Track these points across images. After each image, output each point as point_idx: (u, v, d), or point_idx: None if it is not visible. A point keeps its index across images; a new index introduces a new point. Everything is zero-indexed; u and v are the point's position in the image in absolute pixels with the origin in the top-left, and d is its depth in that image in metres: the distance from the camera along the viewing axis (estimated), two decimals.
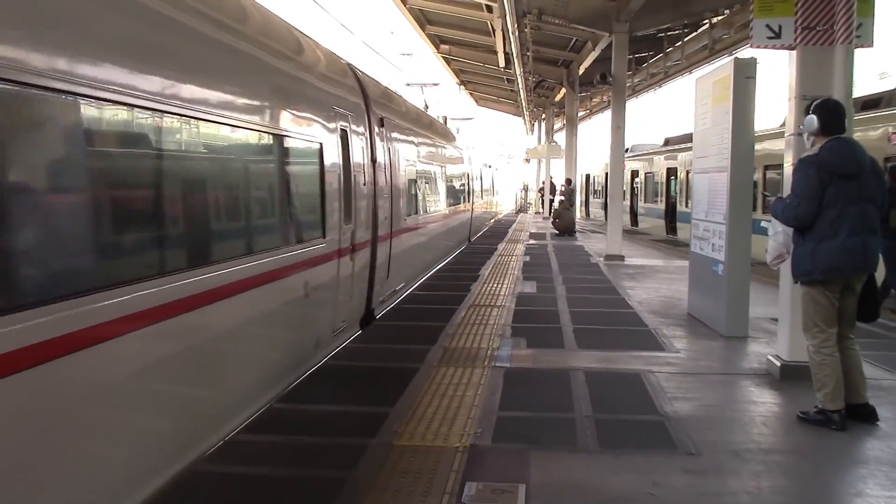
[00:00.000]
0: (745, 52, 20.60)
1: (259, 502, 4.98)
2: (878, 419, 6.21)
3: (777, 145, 14.07)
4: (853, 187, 6.09)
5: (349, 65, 9.97)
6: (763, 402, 6.93)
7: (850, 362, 6.27)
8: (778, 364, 7.60)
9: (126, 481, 4.01)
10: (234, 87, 5.50)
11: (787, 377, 7.42)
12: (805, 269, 6.26)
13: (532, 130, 53.67)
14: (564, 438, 5.83)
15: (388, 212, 10.78)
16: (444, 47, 33.03)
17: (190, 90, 4.75)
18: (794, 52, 7.52)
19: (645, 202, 33.20)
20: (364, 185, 9.24)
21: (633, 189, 34.72)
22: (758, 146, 10.53)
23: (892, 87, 16.02)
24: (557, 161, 40.35)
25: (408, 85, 31.71)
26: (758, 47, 7.67)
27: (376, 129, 10.23)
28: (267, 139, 6.15)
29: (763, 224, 7.15)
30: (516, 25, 18.07)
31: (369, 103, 10.09)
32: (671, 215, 28.51)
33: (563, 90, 33.84)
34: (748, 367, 8.13)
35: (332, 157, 7.90)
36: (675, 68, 28.03)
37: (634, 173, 34.30)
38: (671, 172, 28.88)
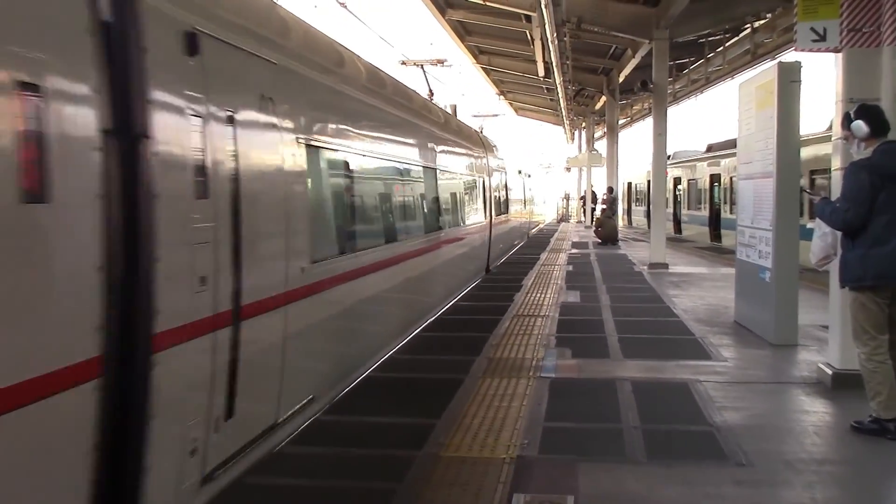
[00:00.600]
0: (789, 56, 20.41)
1: None
2: None
3: (824, 150, 13.84)
4: None
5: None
6: (815, 411, 6.80)
7: None
8: (829, 372, 7.46)
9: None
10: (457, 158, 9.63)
11: (840, 386, 7.27)
12: (855, 275, 6.14)
13: (572, 139, 53.50)
14: (612, 449, 5.78)
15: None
16: (484, 58, 33.11)
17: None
18: (839, 55, 7.41)
19: (688, 209, 32.89)
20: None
21: (675, 196, 34.42)
22: (803, 151, 10.38)
23: None
24: (598, 169, 40.17)
25: (403, 63, 24.80)
26: (802, 51, 7.58)
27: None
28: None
29: (809, 226, 7.04)
30: (555, 34, 18.02)
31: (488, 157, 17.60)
32: (715, 222, 28.21)
33: (604, 98, 33.72)
34: (798, 376, 8.00)
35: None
36: (716, 74, 27.74)
37: (677, 180, 34.01)
38: (714, 179, 28.59)
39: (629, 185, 46.61)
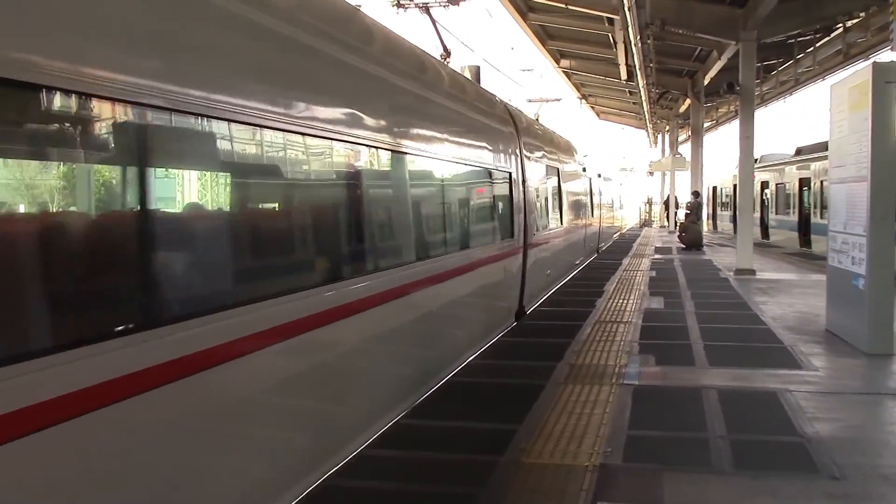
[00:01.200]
0: (884, 56, 19.73)
1: None
2: None
3: None
4: None
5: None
6: None
7: None
8: None
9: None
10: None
11: None
12: None
13: (655, 142, 52.73)
14: (698, 459, 5.67)
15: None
16: (565, 62, 32.93)
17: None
18: None
19: (776, 214, 32.08)
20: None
21: (763, 201, 33.62)
22: None
23: None
24: (682, 173, 39.48)
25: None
26: None
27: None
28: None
29: None
30: (639, 37, 17.81)
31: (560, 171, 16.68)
32: (805, 227, 27.45)
33: (688, 101, 33.13)
34: (894, 387, 7.71)
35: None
36: (806, 75, 26.98)
37: (764, 184, 33.22)
38: (804, 183, 27.83)
39: (714, 189, 45.72)
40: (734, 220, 30.24)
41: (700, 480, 5.26)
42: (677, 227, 32.85)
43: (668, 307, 13.06)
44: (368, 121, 6.17)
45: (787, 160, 31.07)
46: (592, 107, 47.71)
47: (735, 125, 21.67)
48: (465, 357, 9.00)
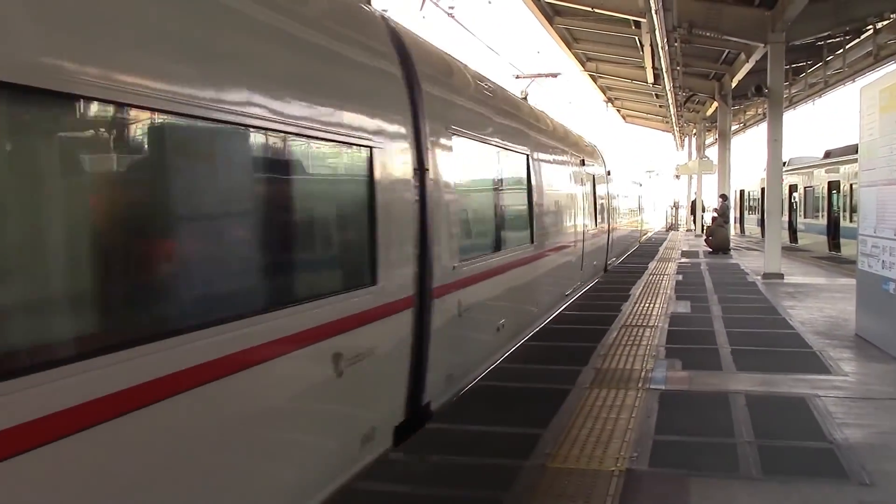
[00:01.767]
0: None
1: None
2: None
3: None
4: None
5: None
6: None
7: None
8: None
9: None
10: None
11: None
12: None
13: (682, 146, 52.41)
14: (725, 465, 5.62)
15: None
16: (591, 65, 32.81)
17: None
18: None
19: (804, 217, 31.79)
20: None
21: (791, 204, 33.31)
22: None
23: None
24: (709, 176, 39.20)
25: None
26: None
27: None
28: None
29: None
30: (666, 40, 17.70)
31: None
32: (834, 231, 27.17)
33: (715, 104, 32.89)
34: None
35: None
36: (835, 77, 26.70)
37: (793, 188, 32.92)
38: (833, 186, 27.56)
39: (741, 192, 45.36)
40: (762, 223, 30.00)
41: (727, 486, 5.21)
42: (704, 231, 32.61)
43: (695, 311, 12.96)
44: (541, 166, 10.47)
45: (815, 163, 30.78)
46: (619, 110, 47.52)
47: (763, 128, 21.52)
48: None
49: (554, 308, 12.30)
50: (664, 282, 17.66)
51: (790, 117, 38.66)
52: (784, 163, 22.71)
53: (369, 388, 4.98)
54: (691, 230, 44.20)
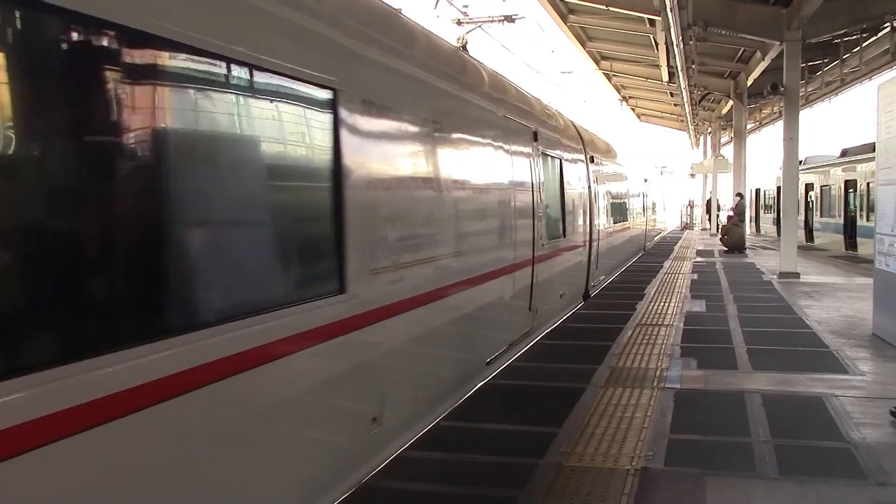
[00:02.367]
0: None
1: None
2: None
3: None
4: None
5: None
6: None
7: None
8: None
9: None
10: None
11: None
12: None
13: (697, 144, 52.21)
14: (742, 464, 5.59)
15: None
16: (605, 63, 32.73)
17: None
18: None
19: (821, 216, 31.62)
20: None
21: (807, 203, 33.14)
22: None
23: None
24: (724, 175, 39.05)
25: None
26: None
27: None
28: None
29: None
30: (681, 38, 17.63)
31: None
32: (851, 230, 27.01)
33: (730, 102, 32.77)
34: None
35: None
36: (852, 75, 26.51)
37: (809, 186, 32.74)
38: (850, 185, 27.39)
39: (757, 191, 45.14)
40: (777, 222, 29.82)
41: (744, 485, 5.19)
42: (719, 230, 32.48)
43: (711, 310, 12.91)
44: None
45: (832, 162, 30.60)
46: (633, 109, 47.38)
47: (778, 126, 21.42)
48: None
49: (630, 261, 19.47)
50: (679, 281, 17.60)
51: (806, 116, 38.42)
52: (800, 161, 22.62)
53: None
54: (706, 229, 44.00)
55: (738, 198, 29.35)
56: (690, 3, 15.46)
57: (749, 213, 40.30)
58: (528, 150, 9.84)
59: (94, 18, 2.99)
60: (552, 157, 11.51)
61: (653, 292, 15.47)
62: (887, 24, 20.73)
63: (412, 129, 6.19)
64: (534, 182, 9.93)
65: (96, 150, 3.15)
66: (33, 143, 2.89)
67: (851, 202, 27.35)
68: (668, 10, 14.78)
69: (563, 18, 24.35)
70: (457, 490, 5.23)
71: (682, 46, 18.53)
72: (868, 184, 23.86)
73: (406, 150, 6.09)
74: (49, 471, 2.73)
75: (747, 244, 28.09)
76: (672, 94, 34.85)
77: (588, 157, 15.03)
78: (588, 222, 14.58)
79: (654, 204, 34.50)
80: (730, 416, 6.76)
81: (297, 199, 4.74)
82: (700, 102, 33.91)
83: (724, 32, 20.07)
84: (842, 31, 21.41)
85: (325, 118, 4.73)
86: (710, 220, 42.86)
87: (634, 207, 25.44)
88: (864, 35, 22.79)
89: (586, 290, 14.68)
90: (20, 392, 2.63)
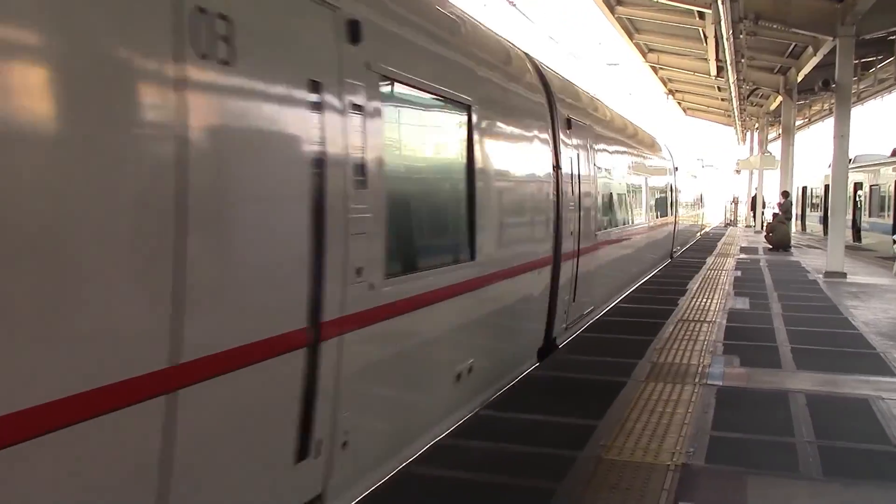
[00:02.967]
0: None
1: None
2: None
3: None
4: None
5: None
6: None
7: None
8: None
9: None
10: None
11: None
12: None
13: (744, 140, 51.52)
14: (784, 464, 5.51)
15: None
16: (652, 56, 32.40)
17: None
18: None
19: (869, 216, 31.05)
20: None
21: (855, 202, 32.56)
22: None
23: None
24: (770, 172, 38.49)
25: None
26: None
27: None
28: None
29: None
30: (731, 31, 17.39)
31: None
32: None
33: (779, 98, 32.26)
34: None
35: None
36: None
37: (857, 185, 32.15)
38: None
39: (803, 189, 44.46)
40: (824, 221, 29.36)
41: (786, 485, 5.12)
42: (764, 228, 32.04)
43: (754, 308, 12.74)
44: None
45: (883, 161, 30.04)
46: (679, 102, 46.87)
47: (828, 124, 21.05)
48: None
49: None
50: (722, 277, 17.39)
51: (857, 113, 37.72)
52: (850, 160, 22.20)
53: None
54: (751, 226, 43.42)
55: (783, 196, 28.94)
56: None
57: (795, 210, 39.67)
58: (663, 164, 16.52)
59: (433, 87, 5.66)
60: (657, 163, 18.32)
61: (695, 288, 15.30)
62: None
63: (517, 133, 8.00)
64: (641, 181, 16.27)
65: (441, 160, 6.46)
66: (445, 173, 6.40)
67: None
68: (719, 2, 14.62)
69: (611, 9, 24.15)
70: (495, 479, 5.22)
71: (732, 40, 18.30)
72: None
73: (513, 151, 7.80)
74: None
75: (792, 242, 27.68)
76: (720, 89, 34.40)
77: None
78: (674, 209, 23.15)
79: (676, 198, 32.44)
80: (773, 415, 6.67)
81: (452, 190, 6.45)
82: (748, 97, 33.49)
83: (775, 27, 19.74)
84: None
85: (464, 127, 6.36)
86: (754, 217, 42.29)
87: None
88: None
89: (671, 255, 23.10)
90: (411, 282, 5.17)
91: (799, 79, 27.92)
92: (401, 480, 5.00)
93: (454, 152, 6.44)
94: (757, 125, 44.47)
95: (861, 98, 31.56)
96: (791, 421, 6.52)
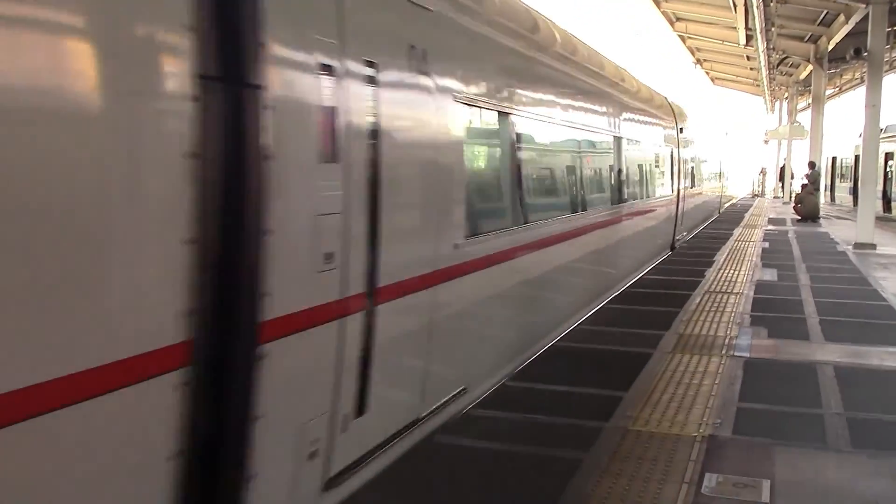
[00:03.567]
0: None
1: (497, 476, 5.07)
2: None
3: None
4: None
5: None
6: None
7: None
8: None
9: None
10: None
11: None
12: None
13: (772, 110, 50.85)
14: (812, 435, 5.51)
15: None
16: (680, 24, 31.99)
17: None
18: None
19: None
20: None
21: (886, 173, 32.09)
22: None
23: None
24: (799, 142, 38.00)
25: None
26: None
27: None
28: None
29: None
30: None
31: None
32: None
33: (809, 67, 31.77)
34: None
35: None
36: None
37: (889, 156, 31.67)
38: None
39: (833, 159, 43.86)
40: (853, 191, 29.02)
41: (814, 457, 5.12)
42: (792, 199, 31.69)
43: (782, 279, 12.66)
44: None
45: None
46: (707, 72, 46.30)
47: (859, 93, 20.74)
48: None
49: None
50: (750, 248, 17.27)
51: (889, 82, 37.05)
52: (881, 129, 21.89)
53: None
54: (779, 197, 42.97)
55: (810, 167, 28.60)
56: None
57: (824, 181, 39.19)
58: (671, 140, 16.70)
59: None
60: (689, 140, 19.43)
61: (722, 259, 15.22)
62: None
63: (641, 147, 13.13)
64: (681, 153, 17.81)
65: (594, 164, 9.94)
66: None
67: None
68: None
69: None
70: (523, 449, 5.27)
71: (762, 7, 18.03)
72: None
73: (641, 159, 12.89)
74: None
75: (821, 213, 27.38)
76: (748, 58, 33.92)
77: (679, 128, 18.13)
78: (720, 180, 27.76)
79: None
80: (801, 387, 6.66)
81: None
82: (777, 66, 32.97)
83: None
84: None
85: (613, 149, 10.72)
86: (782, 188, 41.82)
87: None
88: None
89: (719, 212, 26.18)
90: (486, 242, 5.76)
91: (830, 47, 27.41)
92: (429, 450, 5.06)
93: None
94: (786, 94, 43.83)
95: (894, 66, 31.00)
96: (819, 393, 6.51)
